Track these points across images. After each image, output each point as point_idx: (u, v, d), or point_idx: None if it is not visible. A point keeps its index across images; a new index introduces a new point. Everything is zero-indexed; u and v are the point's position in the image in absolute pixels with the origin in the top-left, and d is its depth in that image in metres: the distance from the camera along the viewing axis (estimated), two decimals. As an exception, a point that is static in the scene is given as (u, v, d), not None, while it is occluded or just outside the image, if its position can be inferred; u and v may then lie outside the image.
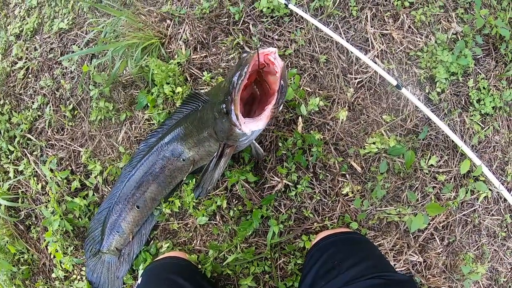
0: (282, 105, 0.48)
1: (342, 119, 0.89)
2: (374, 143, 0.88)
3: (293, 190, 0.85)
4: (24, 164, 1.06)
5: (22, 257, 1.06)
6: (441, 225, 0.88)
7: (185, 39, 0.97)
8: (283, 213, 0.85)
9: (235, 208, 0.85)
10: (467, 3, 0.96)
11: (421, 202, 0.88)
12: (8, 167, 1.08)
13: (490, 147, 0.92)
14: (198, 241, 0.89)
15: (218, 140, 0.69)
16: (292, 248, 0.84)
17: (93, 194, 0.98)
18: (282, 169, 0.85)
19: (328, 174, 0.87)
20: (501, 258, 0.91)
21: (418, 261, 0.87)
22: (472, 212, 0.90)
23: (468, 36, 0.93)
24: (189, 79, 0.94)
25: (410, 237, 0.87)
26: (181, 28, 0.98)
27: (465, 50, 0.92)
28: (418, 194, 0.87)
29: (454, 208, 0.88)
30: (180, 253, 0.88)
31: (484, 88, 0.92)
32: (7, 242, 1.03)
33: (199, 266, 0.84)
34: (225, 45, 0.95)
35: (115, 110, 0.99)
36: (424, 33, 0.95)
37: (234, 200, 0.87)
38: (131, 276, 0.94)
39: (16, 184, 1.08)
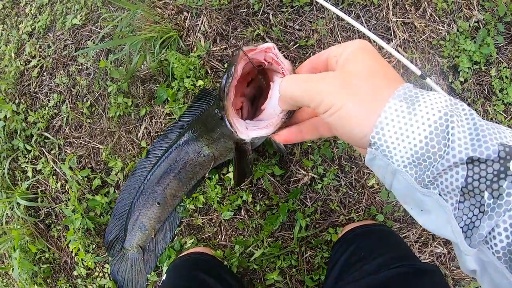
0: (291, 116, 0.36)
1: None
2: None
3: (319, 183, 0.79)
4: (42, 163, 0.99)
5: (43, 256, 0.99)
6: None
7: (203, 31, 0.90)
8: (309, 206, 0.79)
9: (261, 203, 0.79)
10: (488, -10, 0.90)
11: None
12: (26, 166, 1.01)
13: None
14: (223, 236, 0.83)
15: (230, 139, 0.63)
16: (319, 241, 0.78)
17: (114, 191, 0.91)
18: (308, 161, 0.78)
19: (353, 166, 0.81)
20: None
21: (443, 253, 0.82)
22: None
23: (490, 24, 0.87)
24: (209, 72, 0.87)
25: (436, 228, 0.82)
26: (199, 20, 0.91)
27: (488, 38, 0.85)
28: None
29: None
30: (205, 248, 0.82)
31: (506, 77, 0.86)
32: (28, 242, 0.97)
33: (225, 262, 0.78)
34: (245, 36, 0.88)
35: (134, 106, 0.92)
36: (446, 21, 0.88)
37: (259, 194, 0.81)
38: (155, 273, 0.88)
39: (35, 183, 1.01)
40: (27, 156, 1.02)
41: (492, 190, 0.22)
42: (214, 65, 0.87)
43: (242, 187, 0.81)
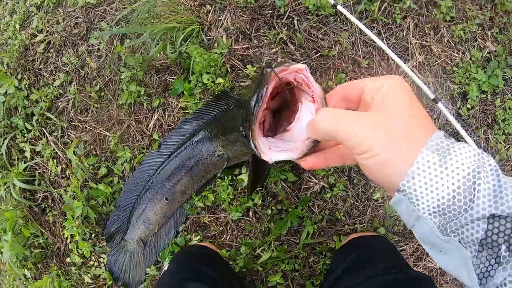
0: (317, 145, 0.34)
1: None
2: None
3: (328, 192, 0.80)
4: (43, 144, 0.93)
5: (36, 241, 0.94)
6: None
7: (226, 28, 0.87)
8: (317, 214, 0.80)
9: (272, 207, 0.78)
10: (502, 23, 0.92)
11: None
12: (24, 146, 0.95)
13: (508, 165, 0.90)
14: (229, 236, 0.82)
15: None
16: (324, 248, 0.79)
17: (119, 182, 0.88)
18: (320, 171, 0.79)
19: (362, 179, 0.82)
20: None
21: (435, 268, 0.86)
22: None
23: (501, 56, 0.90)
24: (229, 70, 0.84)
25: (431, 243, 0.85)
26: (222, 16, 0.88)
27: (497, 70, 0.88)
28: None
29: None
30: (210, 244, 0.81)
31: (510, 108, 0.90)
32: (21, 225, 0.92)
33: (230, 262, 0.77)
34: (268, 38, 0.86)
35: (146, 95, 0.88)
36: (461, 49, 0.90)
37: (268, 197, 0.81)
38: (155, 267, 0.86)
39: (33, 165, 0.95)
40: (26, 135, 0.96)
41: (509, 244, 0.24)
42: (235, 64, 0.85)
43: (258, 189, 0.80)
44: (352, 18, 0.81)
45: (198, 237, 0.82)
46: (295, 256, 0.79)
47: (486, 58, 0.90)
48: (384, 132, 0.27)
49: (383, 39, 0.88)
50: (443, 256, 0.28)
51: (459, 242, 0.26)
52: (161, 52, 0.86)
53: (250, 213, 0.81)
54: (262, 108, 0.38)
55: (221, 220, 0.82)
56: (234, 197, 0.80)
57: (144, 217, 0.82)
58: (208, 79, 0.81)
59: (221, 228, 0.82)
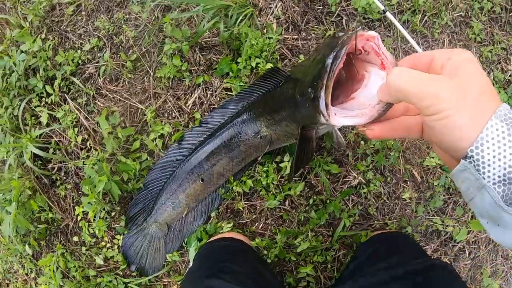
0: (388, 110, 0.34)
1: (410, 129, 0.88)
2: (433, 157, 0.89)
3: (364, 188, 0.81)
4: (64, 111, 0.84)
5: (43, 215, 0.85)
6: (472, 240, 0.92)
7: (276, 16, 0.86)
8: (351, 208, 0.80)
9: (314, 197, 0.77)
10: (521, 50, 1.01)
11: (461, 217, 0.90)
12: (41, 111, 0.85)
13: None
14: (261, 225, 0.80)
15: (295, 122, 0.61)
16: (355, 240, 0.80)
17: (147, 158, 0.82)
18: (361, 166, 0.80)
19: (393, 179, 0.84)
20: (507, 279, 0.98)
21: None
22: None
23: (517, 79, 0.98)
24: (278, 58, 0.83)
25: (448, 246, 0.89)
26: (273, 4, 0.87)
27: (515, 91, 0.96)
28: (461, 209, 0.90)
29: None
30: (237, 234, 0.78)
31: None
32: (28, 197, 0.82)
33: (264, 252, 0.75)
34: (316, 33, 0.87)
35: (188, 71, 0.84)
36: (487, 69, 0.97)
37: (306, 188, 0.80)
38: (178, 253, 0.81)
39: (48, 132, 0.86)
40: (44, 99, 0.87)
41: None
42: (285, 52, 0.84)
43: (294, 178, 0.79)
44: (399, 26, 0.84)
45: (230, 225, 0.78)
46: (326, 248, 0.78)
47: (507, 80, 0.98)
48: (458, 96, 0.27)
49: (420, 50, 0.92)
50: (501, 230, 0.28)
51: None
52: (209, 30, 0.83)
53: (287, 202, 0.79)
54: (340, 66, 0.37)
55: (256, 207, 0.80)
56: (273, 184, 0.78)
57: (174, 198, 0.77)
58: (259, 64, 0.79)
59: (254, 216, 0.80)
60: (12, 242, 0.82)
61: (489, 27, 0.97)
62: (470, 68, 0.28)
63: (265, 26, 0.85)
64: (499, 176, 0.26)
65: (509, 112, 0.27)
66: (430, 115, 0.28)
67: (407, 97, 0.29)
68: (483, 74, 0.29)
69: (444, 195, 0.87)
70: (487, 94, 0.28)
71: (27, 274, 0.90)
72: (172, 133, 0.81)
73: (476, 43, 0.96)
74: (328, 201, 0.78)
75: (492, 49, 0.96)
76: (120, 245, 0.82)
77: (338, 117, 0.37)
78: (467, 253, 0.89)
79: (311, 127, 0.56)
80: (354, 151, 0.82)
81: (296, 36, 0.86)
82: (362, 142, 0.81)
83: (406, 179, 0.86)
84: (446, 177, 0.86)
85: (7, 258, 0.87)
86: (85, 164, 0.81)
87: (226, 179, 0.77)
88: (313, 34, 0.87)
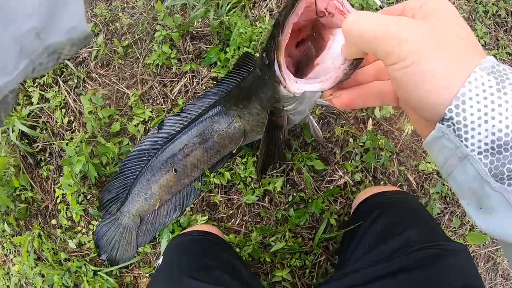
0: (355, 69, 0.29)
1: (407, 132, 0.81)
2: (429, 162, 0.81)
3: (354, 189, 0.74)
4: (55, 92, 0.85)
5: (24, 194, 0.84)
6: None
7: (270, 9, 0.84)
8: (338, 210, 0.74)
9: (294, 194, 0.72)
10: (534, 55, 0.93)
11: (458, 229, 0.81)
12: (33, 91, 0.86)
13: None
14: (238, 221, 0.75)
15: (264, 108, 0.55)
16: (337, 249, 0.72)
17: (128, 143, 0.80)
18: (349, 165, 0.73)
19: (386, 182, 0.77)
20: (513, 300, 0.86)
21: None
22: (496, 250, 0.85)
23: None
24: (269, 49, 0.80)
25: (446, 262, 0.80)
26: (268, -3, 0.85)
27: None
28: (458, 220, 0.81)
29: (485, 242, 0.82)
30: (211, 227, 0.72)
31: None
32: (12, 173, 0.82)
33: (237, 250, 0.69)
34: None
35: (176, 59, 0.82)
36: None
37: (288, 185, 0.74)
38: (150, 245, 0.77)
39: (38, 111, 0.86)
40: (37, 80, 0.88)
41: None
42: (275, 43, 0.81)
43: (274, 174, 0.74)
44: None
45: (205, 218, 0.74)
46: (306, 252, 0.72)
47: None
48: (427, 38, 0.21)
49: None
50: (485, 216, 0.22)
51: None
52: (200, 19, 0.82)
53: (266, 198, 0.74)
54: (293, 20, 0.31)
55: (233, 202, 0.75)
56: (252, 178, 0.73)
57: (147, 189, 0.74)
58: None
59: (231, 212, 0.75)
60: (-10, 218, 0.81)
61: (494, 31, 0.89)
62: (448, 12, 0.23)
63: (257, 18, 0.82)
64: (486, 144, 0.20)
65: (497, 64, 0.21)
66: (393, 63, 0.22)
67: (369, 43, 0.23)
68: (463, 22, 0.23)
69: (440, 204, 0.78)
70: (469, 42, 0.22)
71: (6, 255, 0.89)
72: (154, 117, 0.79)
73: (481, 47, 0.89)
74: (310, 200, 0.72)
75: (496, 54, 0.89)
76: (93, 232, 0.79)
77: (299, 83, 0.32)
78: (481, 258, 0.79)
79: (280, 112, 0.51)
80: (342, 149, 0.76)
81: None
82: (351, 140, 0.75)
83: (401, 183, 0.78)
84: (443, 184, 0.78)
85: (-13, 235, 0.86)
86: (69, 146, 0.80)
87: (201, 171, 0.73)
88: (307, 28, 0.84)
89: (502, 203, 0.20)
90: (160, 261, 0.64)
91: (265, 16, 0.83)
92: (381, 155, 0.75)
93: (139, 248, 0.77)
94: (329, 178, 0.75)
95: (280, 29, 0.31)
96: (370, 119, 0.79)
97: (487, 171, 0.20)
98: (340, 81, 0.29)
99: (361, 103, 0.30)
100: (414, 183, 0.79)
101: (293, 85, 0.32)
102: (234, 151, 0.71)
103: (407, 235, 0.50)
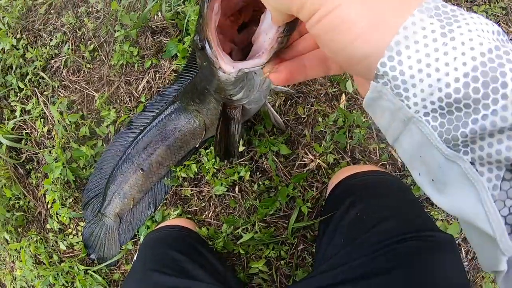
0: (289, 36, 0.26)
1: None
2: (418, 136, 0.72)
3: (329, 172, 0.68)
4: (33, 103, 0.87)
5: (18, 203, 0.88)
6: None
7: (227, -9, 0.79)
8: (313, 195, 0.68)
9: (260, 182, 0.68)
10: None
11: None
12: (15, 105, 0.90)
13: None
14: (210, 213, 0.72)
15: (218, 101, 0.51)
16: (315, 236, 0.67)
17: (102, 145, 0.80)
18: (319, 147, 0.67)
19: (367, 161, 0.70)
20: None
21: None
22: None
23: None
24: (227, 33, 0.76)
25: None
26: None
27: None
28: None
29: None
30: (187, 221, 0.71)
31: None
32: (4, 185, 0.86)
33: (209, 242, 0.67)
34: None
35: (139, 56, 0.80)
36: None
37: (258, 173, 0.70)
38: (132, 242, 0.77)
39: (22, 124, 0.90)
40: (18, 94, 0.91)
41: None
42: (234, 26, 0.76)
43: (241, 162, 0.70)
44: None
45: (178, 211, 0.72)
46: (282, 242, 0.67)
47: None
48: None
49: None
50: (436, 189, 0.17)
51: (472, 164, 0.16)
52: (158, 13, 0.79)
53: (236, 189, 0.70)
54: None
55: (204, 194, 0.73)
56: (219, 169, 0.70)
57: (120, 190, 0.74)
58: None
59: (203, 204, 0.73)
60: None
61: (489, -22, 0.76)
62: None
63: (215, 2, 0.78)
64: (432, 103, 0.16)
65: (444, 5, 0.17)
66: (309, 17, 0.18)
67: (281, 2, 0.20)
68: None
69: (429, 181, 0.69)
70: None
71: (13, 261, 0.95)
72: (120, 117, 0.78)
73: (467, 3, 0.76)
74: (279, 188, 0.67)
75: (488, 9, 0.76)
76: (81, 233, 0.81)
77: (235, 63, 0.29)
78: (463, 252, 0.70)
79: (233, 103, 0.47)
80: (312, 130, 0.70)
81: (248, 9, 0.77)
82: (320, 119, 0.69)
83: (384, 161, 0.70)
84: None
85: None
86: (51, 154, 0.83)
87: (168, 168, 0.72)
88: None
89: (457, 174, 0.16)
90: (135, 257, 0.64)
91: None
92: (355, 132, 0.68)
93: (122, 246, 0.77)
94: (300, 163, 0.69)
95: (205, 3, 0.28)
96: (343, 94, 0.71)
97: (436, 135, 0.16)
98: (277, 50, 0.26)
99: (302, 75, 0.27)
100: (400, 160, 0.71)
101: (227, 64, 0.29)
102: (197, 146, 0.68)
103: (383, 225, 0.44)
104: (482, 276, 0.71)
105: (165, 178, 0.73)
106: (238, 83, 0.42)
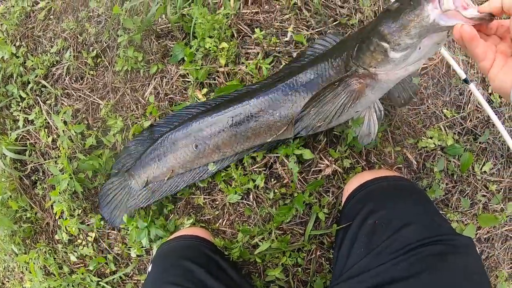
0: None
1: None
2: (431, 137, 0.68)
3: (344, 177, 0.64)
4: (36, 113, 0.81)
5: (25, 215, 0.83)
6: (484, 237, 0.69)
7: (233, -8, 0.73)
8: (329, 201, 0.64)
9: (275, 190, 0.63)
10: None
11: (468, 210, 0.68)
12: (18, 115, 0.84)
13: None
14: (224, 221, 0.68)
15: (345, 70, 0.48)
16: (332, 242, 0.63)
17: (111, 157, 0.75)
18: (334, 152, 0.63)
19: (383, 164, 0.66)
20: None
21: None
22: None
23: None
24: (235, 35, 0.70)
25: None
26: (231, -21, 0.73)
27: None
28: (468, 200, 0.68)
29: (501, 221, 0.69)
30: (202, 230, 0.66)
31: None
32: (10, 197, 0.80)
33: (226, 252, 0.63)
34: (280, 3, 0.72)
35: (144, 62, 0.74)
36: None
37: (272, 179, 0.66)
38: (144, 250, 0.72)
39: (25, 134, 0.83)
40: (20, 104, 0.85)
41: None
42: (242, 28, 0.70)
43: (255, 169, 0.65)
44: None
45: (191, 220, 0.67)
46: (298, 249, 0.64)
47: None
48: None
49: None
50: None
51: None
52: (163, 16, 0.73)
53: (251, 196, 0.66)
54: None
55: (217, 202, 0.68)
56: (232, 177, 0.65)
57: (162, 156, 0.65)
58: (211, 44, 0.66)
59: (216, 212, 0.68)
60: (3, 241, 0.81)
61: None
62: None
63: (221, 4, 0.72)
64: None
65: None
66: None
67: None
68: None
69: (446, 183, 0.66)
70: None
71: (22, 272, 0.89)
72: (131, 125, 0.72)
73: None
74: (296, 195, 0.63)
75: None
76: (101, 186, 0.72)
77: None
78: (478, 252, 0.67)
79: (366, 74, 0.45)
80: (328, 134, 0.65)
81: (256, 10, 0.72)
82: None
83: (400, 164, 0.67)
84: (449, 160, 0.65)
85: (3, 256, 0.87)
86: (56, 164, 0.77)
87: (222, 156, 0.63)
88: (277, 6, 0.72)
89: None
90: (149, 268, 0.60)
91: (229, 0, 0.72)
92: (371, 136, 0.63)
93: (133, 254, 0.71)
94: (315, 169, 0.65)
95: None
96: (357, 97, 0.67)
97: None
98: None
99: (484, 48, 0.34)
100: (415, 162, 0.67)
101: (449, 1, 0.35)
102: (268, 141, 0.58)
103: (404, 232, 0.42)
104: (496, 275, 0.69)
105: (212, 164, 0.65)
106: (412, 38, 0.42)
